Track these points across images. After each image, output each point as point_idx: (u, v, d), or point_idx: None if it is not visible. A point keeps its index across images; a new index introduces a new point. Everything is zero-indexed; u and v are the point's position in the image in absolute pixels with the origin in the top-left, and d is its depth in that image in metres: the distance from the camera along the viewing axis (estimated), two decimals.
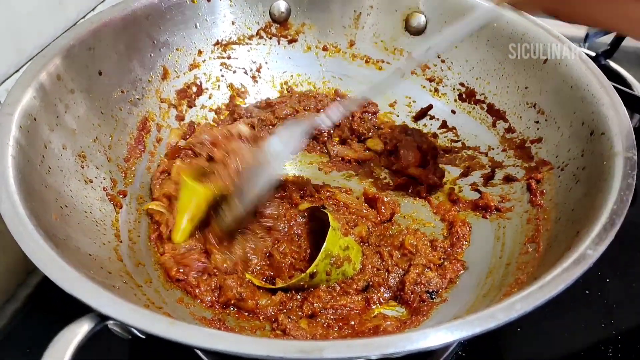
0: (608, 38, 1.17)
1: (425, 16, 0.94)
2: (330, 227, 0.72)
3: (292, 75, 1.02)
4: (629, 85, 1.11)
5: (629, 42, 1.19)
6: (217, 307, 0.70)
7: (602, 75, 0.72)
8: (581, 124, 0.70)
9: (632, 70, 1.16)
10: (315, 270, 0.70)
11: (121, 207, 0.75)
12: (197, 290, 0.70)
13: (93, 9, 0.92)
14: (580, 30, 1.15)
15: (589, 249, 0.51)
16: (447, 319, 0.62)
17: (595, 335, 0.73)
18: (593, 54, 1.15)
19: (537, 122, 0.80)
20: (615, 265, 0.81)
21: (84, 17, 0.90)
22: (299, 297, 0.73)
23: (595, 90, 0.70)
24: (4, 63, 0.75)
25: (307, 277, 0.71)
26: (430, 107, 0.97)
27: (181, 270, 0.71)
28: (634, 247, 0.85)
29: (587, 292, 0.78)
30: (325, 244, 0.70)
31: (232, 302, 0.69)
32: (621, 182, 0.57)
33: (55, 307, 0.61)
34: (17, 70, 0.76)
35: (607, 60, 1.18)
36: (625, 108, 0.67)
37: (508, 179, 0.82)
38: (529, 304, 0.45)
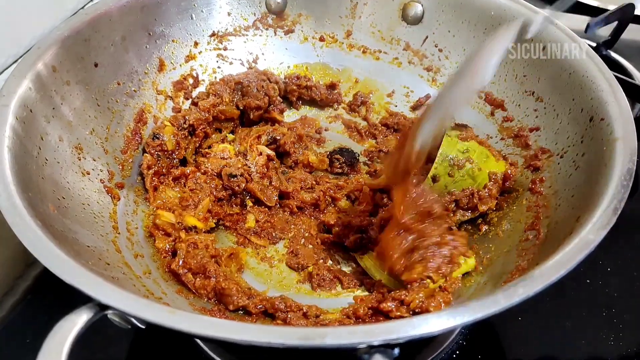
0: (609, 29, 1.17)
1: (422, 5, 0.93)
2: (446, 135, 0.75)
3: (289, 66, 1.02)
4: (630, 76, 1.10)
5: (629, 34, 1.18)
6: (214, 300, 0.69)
7: (601, 61, 0.71)
8: (580, 111, 0.70)
9: (633, 61, 1.15)
10: (435, 173, 0.74)
11: (119, 199, 0.75)
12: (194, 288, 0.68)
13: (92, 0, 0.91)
14: (582, 23, 1.14)
15: (590, 234, 0.51)
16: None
17: (596, 324, 0.73)
18: (594, 44, 1.15)
19: (535, 109, 0.80)
20: (616, 254, 0.81)
21: (83, 8, 0.89)
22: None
23: (594, 76, 0.70)
24: (3, 54, 0.74)
25: (430, 181, 0.74)
26: (428, 96, 0.97)
27: (180, 263, 0.69)
28: (635, 236, 0.85)
29: (588, 281, 0.78)
30: (440, 148, 0.74)
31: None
32: (622, 167, 0.57)
33: (54, 300, 0.61)
34: (15, 61, 0.76)
35: (608, 50, 1.17)
36: (624, 93, 0.66)
37: None
38: (531, 288, 0.45)
